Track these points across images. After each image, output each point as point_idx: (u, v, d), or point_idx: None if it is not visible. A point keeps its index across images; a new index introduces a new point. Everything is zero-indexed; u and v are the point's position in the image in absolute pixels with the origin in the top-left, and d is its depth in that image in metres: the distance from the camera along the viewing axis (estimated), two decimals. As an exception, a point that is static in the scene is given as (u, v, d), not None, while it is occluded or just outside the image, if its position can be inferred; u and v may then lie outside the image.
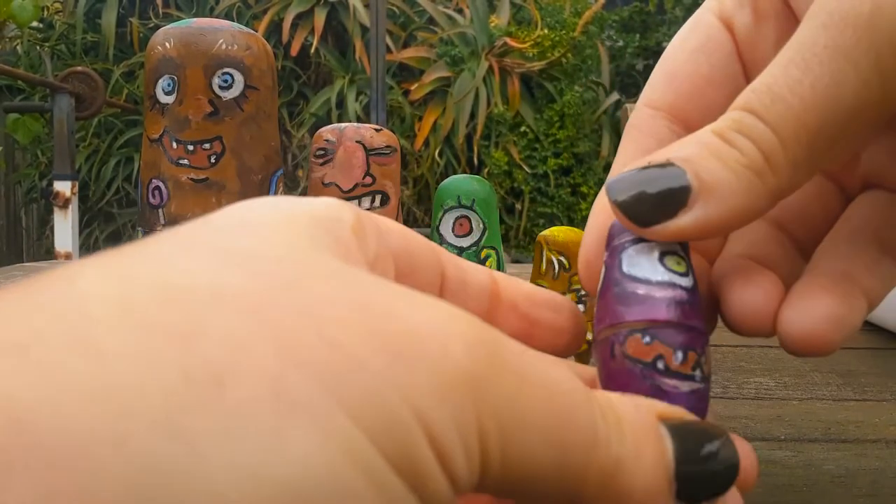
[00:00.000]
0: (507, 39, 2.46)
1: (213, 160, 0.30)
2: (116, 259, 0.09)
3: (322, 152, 0.33)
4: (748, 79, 0.17)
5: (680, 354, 0.13)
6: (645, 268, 0.13)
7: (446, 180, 0.31)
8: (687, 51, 0.17)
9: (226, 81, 0.30)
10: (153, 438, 0.07)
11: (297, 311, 0.09)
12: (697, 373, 0.13)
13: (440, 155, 2.40)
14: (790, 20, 0.16)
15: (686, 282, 0.14)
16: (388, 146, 0.33)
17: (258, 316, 0.09)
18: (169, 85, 0.30)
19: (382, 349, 0.09)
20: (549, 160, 2.41)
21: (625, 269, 0.14)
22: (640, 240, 0.14)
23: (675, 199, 0.13)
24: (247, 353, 0.08)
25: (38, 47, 2.62)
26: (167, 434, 0.07)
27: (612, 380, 0.13)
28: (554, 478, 0.10)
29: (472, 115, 2.41)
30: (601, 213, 0.16)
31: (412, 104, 2.48)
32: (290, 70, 2.52)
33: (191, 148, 0.30)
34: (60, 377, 0.07)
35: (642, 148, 0.17)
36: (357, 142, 0.32)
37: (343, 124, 0.33)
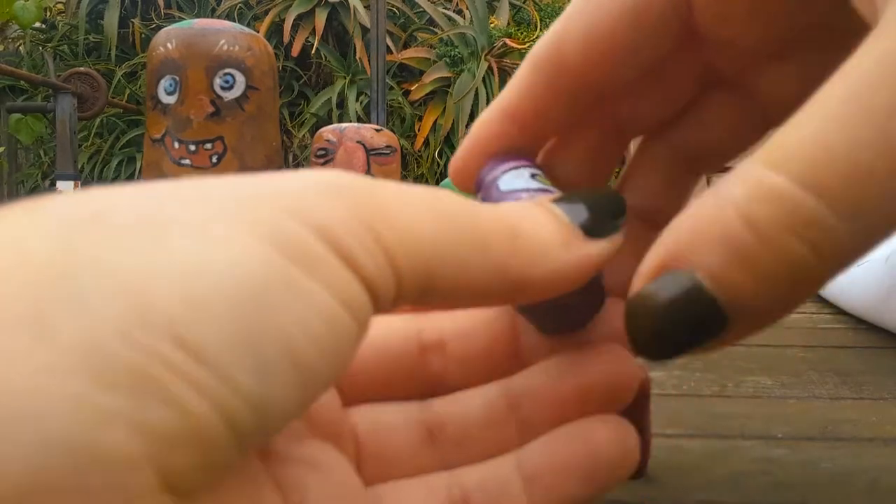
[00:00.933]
0: (507, 40, 2.47)
1: (214, 160, 0.30)
2: None
3: (323, 152, 0.33)
4: None
5: None
6: (520, 183, 0.14)
7: (446, 180, 0.31)
8: None
9: (227, 82, 0.30)
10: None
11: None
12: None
13: (440, 155, 2.40)
14: None
15: (556, 192, 0.14)
16: (388, 146, 0.33)
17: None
18: (171, 85, 0.30)
19: (266, 193, 0.10)
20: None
21: (502, 188, 0.14)
22: (508, 169, 0.14)
23: (707, 330, 0.11)
24: (118, 199, 0.09)
25: (40, 48, 2.62)
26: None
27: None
28: (455, 248, 0.11)
29: (472, 116, 2.41)
30: (485, 127, 0.15)
31: (412, 104, 2.49)
32: (291, 70, 2.52)
33: (192, 148, 0.30)
34: None
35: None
36: (357, 142, 0.33)
37: (344, 124, 0.33)
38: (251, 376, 0.09)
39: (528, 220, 0.12)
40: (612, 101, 0.16)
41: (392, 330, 0.15)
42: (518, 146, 0.15)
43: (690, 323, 0.10)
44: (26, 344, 0.08)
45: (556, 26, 0.14)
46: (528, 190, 0.14)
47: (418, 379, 0.15)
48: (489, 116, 0.15)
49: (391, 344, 0.15)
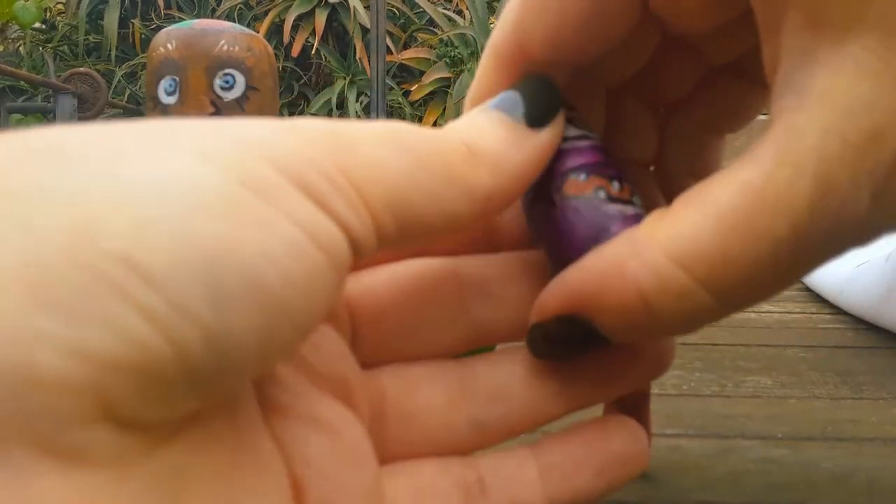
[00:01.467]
0: (508, 40, 2.46)
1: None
2: None
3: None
4: None
5: (616, 184, 0.13)
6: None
7: None
8: None
9: (227, 82, 0.30)
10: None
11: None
12: (636, 199, 0.13)
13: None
14: None
15: (601, 142, 0.14)
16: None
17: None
18: (171, 86, 0.30)
19: (228, 131, 0.10)
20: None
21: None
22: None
23: (597, 345, 0.13)
24: (77, 135, 0.09)
25: (40, 48, 2.62)
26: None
27: (556, 229, 0.13)
28: (424, 181, 0.11)
29: (473, 116, 2.41)
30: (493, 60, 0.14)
31: (412, 105, 2.49)
32: (291, 71, 2.52)
33: (192, 148, 0.30)
34: None
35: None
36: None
37: (343, 125, 0.33)
38: (206, 304, 0.08)
39: (478, 131, 0.12)
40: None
41: (425, 267, 0.14)
42: None
43: (581, 349, 0.13)
44: None
45: (514, 15, 0.14)
46: (567, 139, 0.13)
47: (456, 331, 0.14)
48: (485, 71, 0.15)
49: (424, 283, 0.14)
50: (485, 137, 0.12)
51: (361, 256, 0.11)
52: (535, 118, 0.12)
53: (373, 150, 0.11)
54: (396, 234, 0.11)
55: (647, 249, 0.11)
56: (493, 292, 0.14)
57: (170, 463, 0.09)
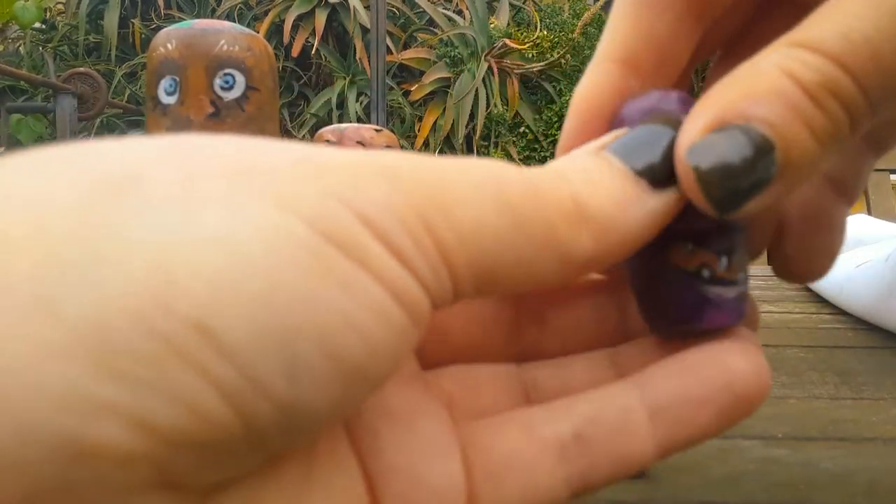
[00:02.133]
0: (507, 40, 2.47)
1: (214, 160, 0.30)
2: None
3: (323, 153, 0.33)
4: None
5: (725, 260, 0.12)
6: None
7: None
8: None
9: (227, 82, 0.30)
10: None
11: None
12: (741, 275, 0.12)
13: (440, 155, 2.40)
14: None
15: None
16: (388, 146, 0.33)
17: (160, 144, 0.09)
18: (171, 86, 0.30)
19: (312, 168, 0.09)
20: (548, 161, 2.40)
21: None
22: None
23: (758, 184, 0.11)
24: (155, 163, 0.08)
25: (40, 48, 2.62)
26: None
27: (649, 291, 0.12)
28: (519, 244, 0.10)
29: (472, 116, 2.41)
30: (586, 101, 0.13)
31: (412, 105, 2.49)
32: (291, 71, 2.52)
33: (192, 148, 0.30)
34: None
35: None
36: (357, 142, 0.33)
37: (344, 125, 0.33)
38: (282, 377, 0.08)
39: (592, 185, 0.11)
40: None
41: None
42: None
43: (749, 170, 0.10)
44: (27, 319, 0.07)
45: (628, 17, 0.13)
46: None
47: (514, 346, 0.13)
48: (597, 78, 0.13)
49: (485, 311, 0.13)
50: (598, 195, 0.10)
51: (436, 310, 0.10)
52: (659, 175, 0.11)
53: (467, 211, 0.09)
54: (474, 292, 0.10)
55: (769, 50, 0.11)
56: (546, 318, 0.13)
57: (233, 500, 0.09)
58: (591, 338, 0.13)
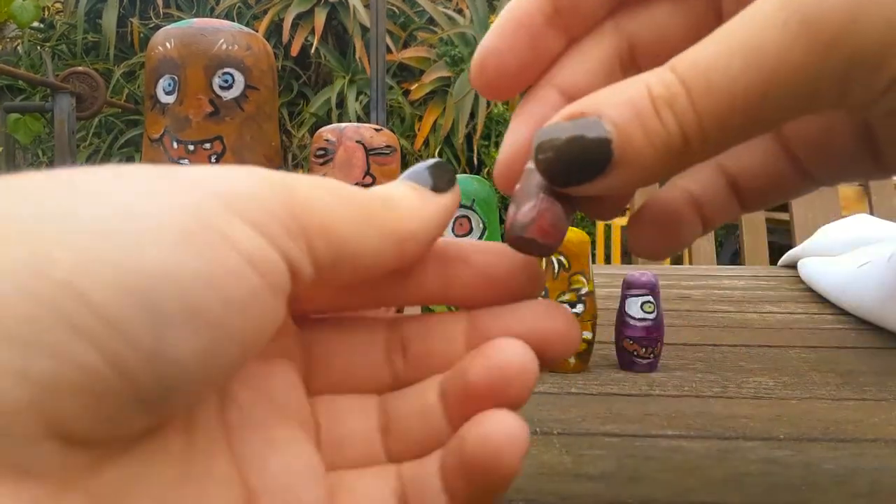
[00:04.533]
0: (508, 39, 2.46)
1: (213, 160, 0.30)
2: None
3: (322, 152, 0.33)
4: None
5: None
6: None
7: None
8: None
9: (226, 81, 0.30)
10: None
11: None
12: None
13: (440, 155, 2.40)
14: None
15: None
16: (388, 146, 0.33)
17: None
18: (169, 85, 0.30)
19: (198, 177, 0.12)
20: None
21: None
22: None
23: (595, 167, 0.14)
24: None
25: (38, 47, 2.62)
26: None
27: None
28: (357, 224, 0.13)
29: (472, 115, 2.41)
30: (522, 124, 0.17)
31: (412, 104, 2.48)
32: (291, 70, 2.52)
33: (191, 148, 0.30)
34: None
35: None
36: (357, 142, 0.32)
37: (343, 124, 0.33)
38: (146, 327, 0.09)
39: (392, 191, 0.15)
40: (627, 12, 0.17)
41: (364, 327, 0.16)
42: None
43: (586, 155, 0.14)
44: None
45: None
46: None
47: (382, 375, 0.16)
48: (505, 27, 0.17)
49: (362, 339, 0.16)
50: (397, 194, 0.15)
51: (300, 283, 0.12)
52: (438, 188, 0.16)
53: (310, 192, 0.13)
54: (330, 261, 0.13)
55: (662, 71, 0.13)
56: (408, 347, 0.16)
57: (116, 477, 0.10)
58: (444, 363, 0.16)
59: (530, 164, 0.15)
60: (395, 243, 0.14)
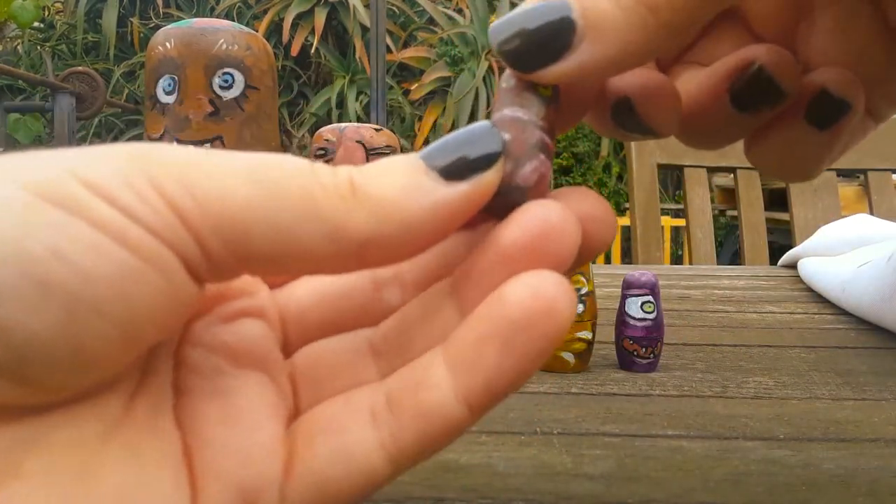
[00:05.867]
0: (508, 39, 2.46)
1: (213, 160, 0.30)
2: None
3: (322, 152, 0.33)
4: None
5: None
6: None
7: None
8: None
9: (226, 81, 0.30)
10: None
11: None
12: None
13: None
14: None
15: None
16: (387, 146, 0.33)
17: None
18: (170, 85, 0.30)
19: (55, 155, 0.11)
20: (549, 160, 2.41)
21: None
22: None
23: (558, 39, 0.12)
24: None
25: (38, 47, 2.62)
26: None
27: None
28: (274, 212, 0.11)
29: (472, 115, 2.41)
30: None
31: (412, 104, 2.48)
32: (291, 70, 2.52)
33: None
34: None
35: None
36: (357, 141, 0.32)
37: (343, 124, 0.33)
38: None
39: (378, 173, 0.11)
40: None
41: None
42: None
43: (543, 26, 0.12)
44: None
45: None
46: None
47: (373, 315, 0.14)
48: None
49: (341, 282, 0.14)
50: (383, 180, 0.11)
51: (201, 276, 0.11)
52: (453, 171, 0.12)
53: (212, 182, 0.11)
54: (232, 259, 0.11)
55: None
56: (405, 279, 0.14)
57: (16, 435, 0.10)
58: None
59: (511, 109, 0.13)
60: (343, 244, 0.11)
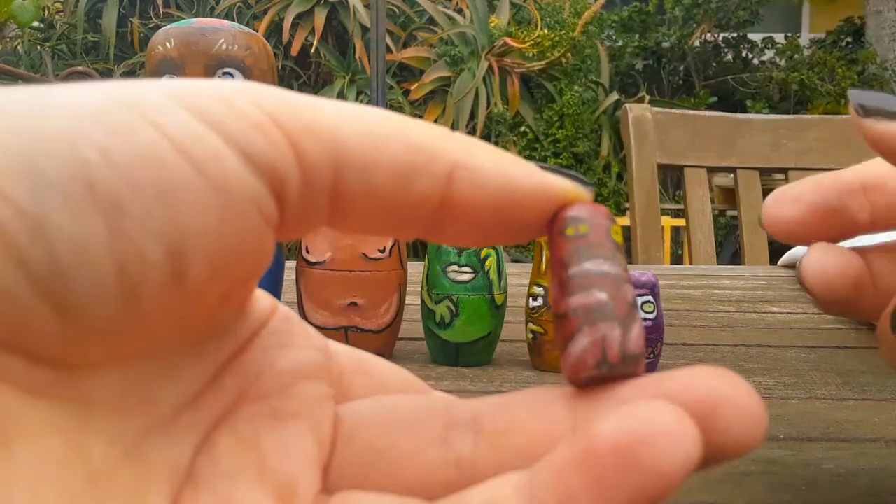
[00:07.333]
0: (507, 39, 2.47)
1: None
2: None
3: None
4: None
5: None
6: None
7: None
8: None
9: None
10: None
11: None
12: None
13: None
14: None
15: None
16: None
17: None
18: (170, 85, 0.30)
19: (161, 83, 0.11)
20: (548, 160, 2.41)
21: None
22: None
23: None
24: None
25: (38, 47, 2.62)
26: None
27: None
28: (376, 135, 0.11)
29: (472, 115, 2.41)
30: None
31: (412, 104, 2.48)
32: (291, 70, 2.52)
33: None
34: None
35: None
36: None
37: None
38: (22, 188, 0.09)
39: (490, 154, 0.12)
40: None
41: (412, 401, 0.12)
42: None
43: None
44: None
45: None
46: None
47: (437, 466, 0.11)
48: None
49: (405, 413, 0.12)
50: (482, 155, 0.12)
51: (286, 188, 0.10)
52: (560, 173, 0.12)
53: (304, 98, 0.11)
54: (325, 162, 0.11)
55: None
56: (483, 426, 0.11)
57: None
58: (529, 447, 0.11)
59: (593, 263, 0.11)
60: (437, 164, 0.11)
